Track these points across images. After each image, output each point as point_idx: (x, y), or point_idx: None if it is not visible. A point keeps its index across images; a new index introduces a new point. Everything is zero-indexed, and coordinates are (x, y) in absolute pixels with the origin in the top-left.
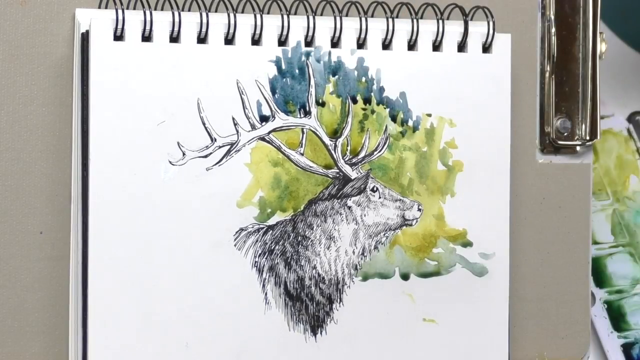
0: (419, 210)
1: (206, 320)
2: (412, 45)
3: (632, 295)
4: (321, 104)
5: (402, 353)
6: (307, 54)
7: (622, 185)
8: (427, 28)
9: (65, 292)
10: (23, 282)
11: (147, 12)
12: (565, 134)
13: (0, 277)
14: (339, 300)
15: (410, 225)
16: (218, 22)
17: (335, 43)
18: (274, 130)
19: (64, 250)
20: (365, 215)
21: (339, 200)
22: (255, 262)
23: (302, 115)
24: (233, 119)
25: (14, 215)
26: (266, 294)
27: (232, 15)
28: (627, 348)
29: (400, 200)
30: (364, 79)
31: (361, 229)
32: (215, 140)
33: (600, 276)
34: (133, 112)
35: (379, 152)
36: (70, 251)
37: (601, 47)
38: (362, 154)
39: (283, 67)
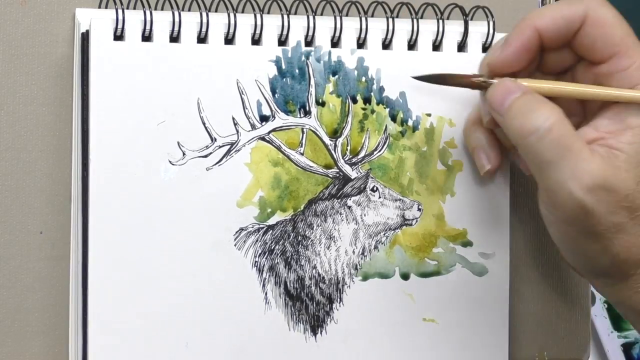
0: (419, 210)
1: (206, 320)
2: (412, 45)
3: None
4: (321, 103)
5: (402, 353)
6: (307, 54)
7: None
8: (427, 28)
9: (65, 292)
10: (23, 282)
11: (147, 12)
12: None
13: (0, 277)
14: (339, 300)
15: (410, 225)
16: (218, 22)
17: (335, 43)
18: (274, 130)
19: (64, 250)
20: (365, 215)
21: (339, 200)
22: (255, 261)
23: (302, 115)
24: (233, 118)
25: (14, 215)
26: (266, 293)
27: (232, 15)
28: (627, 348)
29: (400, 200)
30: (363, 79)
31: (361, 229)
32: (215, 140)
33: None
34: (133, 111)
35: (379, 151)
36: (70, 251)
37: None
38: (362, 154)
39: (283, 67)
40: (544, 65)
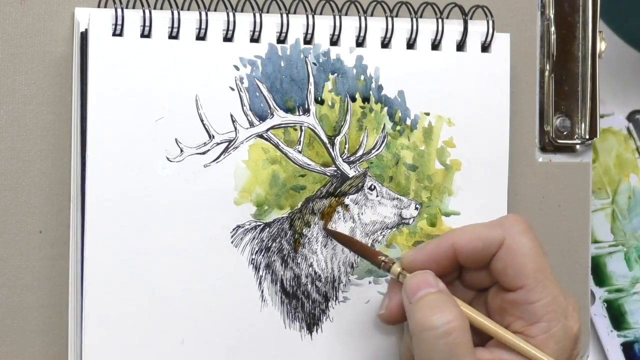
0: (417, 209)
1: (202, 317)
2: (411, 44)
3: (632, 294)
4: (320, 102)
5: (398, 352)
6: (306, 52)
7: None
8: (427, 27)
9: (64, 292)
10: (23, 282)
11: (146, 11)
12: (565, 132)
13: (0, 277)
14: (335, 298)
15: (408, 224)
16: (217, 20)
17: (334, 41)
18: (272, 127)
19: (64, 249)
20: (362, 214)
21: (336, 198)
22: (252, 259)
23: (300, 113)
24: (231, 116)
25: (13, 214)
26: (262, 291)
27: (231, 14)
28: (627, 347)
29: (397, 198)
30: (362, 77)
31: (358, 227)
32: (213, 137)
33: (600, 275)
34: (131, 108)
35: (377, 150)
36: (69, 250)
37: (601, 46)
38: (360, 152)
39: (282, 65)
40: (463, 280)
